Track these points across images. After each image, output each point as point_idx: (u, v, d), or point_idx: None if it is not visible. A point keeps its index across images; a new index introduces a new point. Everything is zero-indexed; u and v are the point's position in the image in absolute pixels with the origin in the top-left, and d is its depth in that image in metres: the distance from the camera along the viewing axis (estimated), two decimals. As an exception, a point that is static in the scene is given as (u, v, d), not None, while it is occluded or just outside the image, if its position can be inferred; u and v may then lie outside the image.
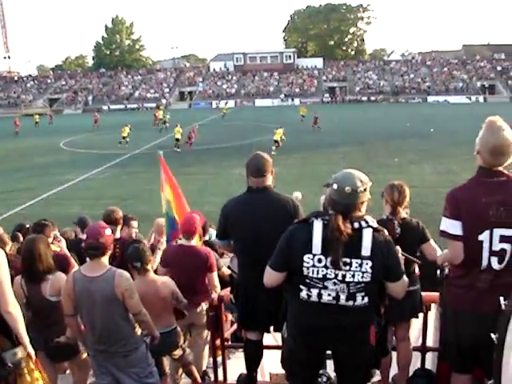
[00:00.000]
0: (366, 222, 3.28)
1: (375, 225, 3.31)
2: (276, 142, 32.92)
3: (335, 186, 3.29)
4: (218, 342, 5.42)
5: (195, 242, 5.86)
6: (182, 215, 6.89)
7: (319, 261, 3.27)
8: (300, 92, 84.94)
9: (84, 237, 4.48)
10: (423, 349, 5.14)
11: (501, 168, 3.55)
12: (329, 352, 3.61)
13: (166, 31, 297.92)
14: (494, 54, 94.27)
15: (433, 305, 5.04)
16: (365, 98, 79.49)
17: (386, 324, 4.05)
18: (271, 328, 4.65)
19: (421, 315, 5.00)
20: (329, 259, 3.24)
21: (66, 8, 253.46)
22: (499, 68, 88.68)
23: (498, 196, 3.46)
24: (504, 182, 3.51)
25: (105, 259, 4.36)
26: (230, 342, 5.83)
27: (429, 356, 5.15)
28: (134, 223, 7.06)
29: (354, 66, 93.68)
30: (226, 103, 69.43)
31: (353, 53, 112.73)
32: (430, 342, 5.13)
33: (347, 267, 3.24)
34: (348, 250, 3.21)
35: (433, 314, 5.16)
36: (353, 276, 3.25)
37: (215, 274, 5.73)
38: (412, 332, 5.22)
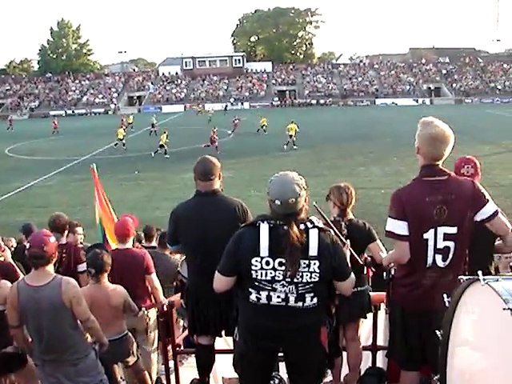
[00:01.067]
0: (312, 223, 3.32)
1: (321, 225, 3.35)
2: (291, 136, 35.12)
3: (278, 202, 3.28)
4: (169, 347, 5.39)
5: (130, 244, 5.83)
6: (111, 226, 6.97)
7: (267, 263, 3.29)
8: (249, 96, 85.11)
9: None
10: (373, 348, 5.20)
11: (442, 166, 3.65)
12: (281, 354, 3.63)
13: (113, 35, 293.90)
14: (439, 58, 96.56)
15: (382, 304, 5.12)
16: (314, 102, 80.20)
17: (337, 324, 4.09)
18: (223, 332, 4.64)
19: (370, 315, 5.08)
20: (277, 261, 3.26)
21: (8, 10, 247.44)
22: (444, 71, 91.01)
23: (440, 195, 3.55)
24: (446, 181, 3.61)
25: (50, 267, 4.29)
26: (182, 348, 5.80)
27: (380, 355, 5.22)
28: (79, 229, 7.09)
29: (303, 69, 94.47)
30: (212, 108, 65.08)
31: (302, 56, 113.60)
32: (380, 341, 5.20)
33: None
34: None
35: (382, 314, 5.24)
36: (301, 277, 3.27)
37: (154, 276, 5.68)
38: (363, 331, 5.30)
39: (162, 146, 33.54)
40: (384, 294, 4.53)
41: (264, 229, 3.31)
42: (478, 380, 2.35)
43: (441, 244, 3.59)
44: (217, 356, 4.92)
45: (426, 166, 3.67)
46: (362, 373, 5.09)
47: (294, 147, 34.27)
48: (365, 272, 4.94)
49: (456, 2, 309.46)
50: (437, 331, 2.70)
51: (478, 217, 3.62)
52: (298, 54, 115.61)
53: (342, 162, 28.94)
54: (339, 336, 4.49)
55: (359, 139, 37.40)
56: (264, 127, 41.16)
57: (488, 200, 3.64)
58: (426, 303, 3.54)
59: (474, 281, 2.32)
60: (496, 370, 2.17)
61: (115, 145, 36.64)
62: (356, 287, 4.71)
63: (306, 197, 3.39)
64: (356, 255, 4.17)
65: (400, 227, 3.62)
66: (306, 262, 3.26)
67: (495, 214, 3.64)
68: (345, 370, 5.07)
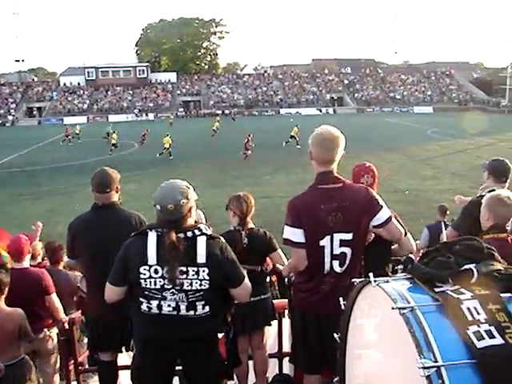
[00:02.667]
0: (200, 230, 3.33)
1: (209, 232, 3.37)
2: (293, 137, 38.01)
3: (158, 207, 3.31)
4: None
5: (27, 263, 5.51)
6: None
7: (155, 271, 3.26)
8: (154, 107, 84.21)
9: None
10: (280, 355, 5.25)
11: (336, 174, 3.74)
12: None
13: (9, 43, 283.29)
14: (341, 68, 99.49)
15: (286, 311, 5.18)
16: (219, 112, 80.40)
17: (235, 333, 4.09)
18: (123, 348, 4.55)
19: (276, 322, 5.13)
20: (165, 269, 3.24)
21: None
22: (346, 81, 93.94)
23: (335, 202, 3.62)
24: (341, 188, 3.68)
25: None
26: (86, 366, 5.62)
27: (287, 361, 5.26)
28: None
29: (208, 80, 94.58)
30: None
31: (206, 67, 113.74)
32: (286, 348, 5.25)
33: (184, 276, 3.25)
34: (184, 259, 3.23)
35: (287, 320, 5.30)
36: (190, 284, 3.26)
37: (54, 296, 5.39)
38: (269, 339, 5.33)
39: (166, 148, 35.48)
40: (286, 300, 4.60)
41: (152, 237, 3.31)
42: (376, 379, 2.41)
43: (337, 250, 3.66)
44: (121, 372, 4.81)
45: (321, 173, 3.74)
46: (270, 380, 5.12)
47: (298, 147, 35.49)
48: (267, 280, 5.01)
49: (356, 15, 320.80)
50: (335, 334, 2.75)
51: (374, 222, 3.73)
52: (203, 64, 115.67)
53: (249, 171, 29.17)
54: (237, 345, 4.48)
55: (265, 148, 37.85)
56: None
57: (382, 206, 3.76)
58: (325, 308, 3.60)
59: (366, 283, 2.39)
60: (391, 369, 2.23)
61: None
62: (259, 295, 4.77)
63: (192, 205, 3.41)
64: (253, 267, 4.21)
65: (296, 235, 3.67)
66: (195, 269, 3.26)
67: (389, 219, 3.77)
68: (252, 378, 5.08)
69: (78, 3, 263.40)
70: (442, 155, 35.72)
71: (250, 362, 5.13)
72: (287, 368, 5.25)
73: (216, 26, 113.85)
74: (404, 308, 1.99)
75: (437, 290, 2.17)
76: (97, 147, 42.33)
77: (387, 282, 2.26)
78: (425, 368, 1.79)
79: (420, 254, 2.67)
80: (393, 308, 2.00)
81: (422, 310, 2.01)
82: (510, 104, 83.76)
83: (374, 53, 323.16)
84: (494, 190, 4.87)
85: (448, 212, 10.03)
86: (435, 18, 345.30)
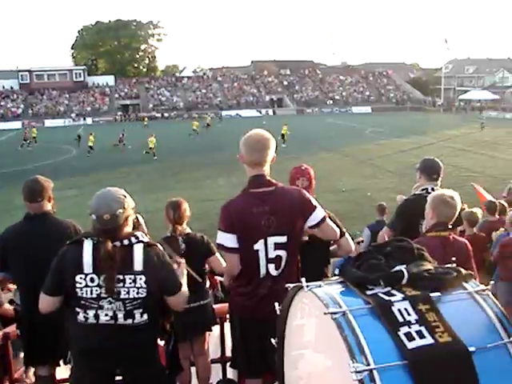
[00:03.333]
0: (137, 238, 3.28)
1: (146, 239, 3.32)
2: (283, 136, 39.46)
3: (94, 217, 3.24)
4: None
5: None
6: None
7: (92, 280, 3.19)
8: (92, 111, 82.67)
9: None
10: (222, 360, 5.22)
11: (269, 177, 3.74)
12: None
13: None
14: (281, 70, 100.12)
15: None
16: (158, 115, 79.62)
17: (176, 340, 4.05)
18: (61, 361, 4.43)
19: (217, 327, 5.10)
20: (102, 277, 3.17)
21: None
22: (285, 83, 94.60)
23: (267, 205, 3.61)
24: (273, 192, 3.68)
25: None
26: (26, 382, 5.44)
27: (229, 366, 5.25)
28: None
29: (147, 82, 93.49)
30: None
31: (145, 70, 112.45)
32: (229, 353, 5.23)
33: (121, 284, 3.19)
34: (120, 267, 3.17)
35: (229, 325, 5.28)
36: (128, 292, 3.20)
37: None
38: (211, 344, 5.30)
39: (151, 148, 37.02)
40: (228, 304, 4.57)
41: (87, 245, 3.24)
42: (314, 382, 2.42)
43: (272, 253, 3.66)
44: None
45: (253, 177, 3.73)
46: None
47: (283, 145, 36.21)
48: (207, 285, 4.98)
49: (294, 17, 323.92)
50: (272, 339, 2.75)
51: (309, 223, 3.74)
52: (141, 67, 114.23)
53: (191, 174, 29.07)
54: (179, 352, 4.43)
55: (206, 151, 37.79)
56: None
57: (316, 206, 3.77)
58: (263, 312, 3.58)
59: (299, 288, 2.39)
60: (328, 372, 2.24)
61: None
62: (199, 301, 4.74)
63: (129, 214, 3.35)
64: (194, 274, 4.17)
65: (229, 240, 3.66)
66: (132, 277, 3.21)
67: (324, 219, 3.79)
68: (195, 385, 5.05)
69: (8, 3, 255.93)
70: (380, 154, 36.46)
71: (193, 369, 5.09)
72: (231, 373, 5.23)
73: (154, 28, 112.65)
74: (336, 313, 2.00)
75: (368, 292, 2.18)
76: (27, 154, 41.27)
77: (320, 286, 2.26)
78: (357, 372, 1.80)
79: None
80: (325, 313, 2.00)
81: (354, 313, 2.02)
82: (445, 103, 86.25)
83: (313, 54, 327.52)
84: (426, 189, 4.99)
85: (387, 211, 10.24)
86: (372, 20, 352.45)
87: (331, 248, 4.65)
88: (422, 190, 5.07)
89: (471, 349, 1.91)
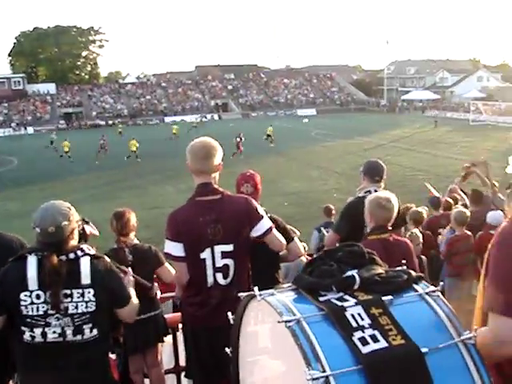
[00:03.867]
0: (83, 251, 3.22)
1: (93, 252, 3.26)
2: (269, 136, 43.28)
3: (38, 230, 3.16)
4: None
5: None
6: None
7: (37, 297, 3.10)
8: (33, 120, 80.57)
9: None
10: (176, 370, 5.17)
11: (216, 186, 3.73)
12: None
13: None
14: (225, 74, 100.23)
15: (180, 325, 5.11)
16: (102, 123, 78.36)
17: (127, 353, 3.99)
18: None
19: (170, 337, 5.05)
20: (48, 294, 3.09)
21: None
22: (230, 87, 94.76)
23: (214, 214, 3.61)
24: (219, 200, 3.67)
25: None
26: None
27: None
28: None
29: (89, 90, 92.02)
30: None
31: (87, 77, 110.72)
32: (183, 362, 5.19)
33: (68, 299, 3.12)
34: (67, 281, 3.10)
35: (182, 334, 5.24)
36: (76, 307, 3.13)
37: None
38: (164, 355, 5.24)
39: (133, 151, 38.29)
40: (180, 314, 4.53)
41: (31, 261, 3.14)
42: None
43: (219, 262, 3.65)
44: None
45: (200, 185, 3.72)
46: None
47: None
48: (158, 295, 4.92)
49: (237, 21, 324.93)
50: (226, 348, 2.73)
51: (254, 233, 3.75)
52: (83, 74, 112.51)
53: (137, 182, 28.78)
54: (132, 364, 4.39)
55: (152, 157, 37.48)
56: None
57: (262, 216, 3.78)
58: (214, 321, 3.56)
59: (251, 297, 2.37)
60: (284, 379, 2.23)
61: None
62: (149, 311, 4.68)
63: (74, 227, 3.29)
64: (144, 281, 4.12)
65: (176, 248, 3.65)
66: (80, 291, 3.14)
67: (270, 230, 3.80)
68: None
69: None
70: (327, 156, 36.92)
71: (147, 381, 5.03)
72: (186, 383, 5.18)
73: (95, 35, 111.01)
74: (290, 321, 1.99)
75: (321, 299, 2.19)
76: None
77: (272, 294, 2.25)
78: (314, 379, 1.80)
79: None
80: (279, 321, 2.00)
81: (308, 320, 2.02)
82: (388, 104, 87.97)
83: (257, 58, 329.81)
84: (369, 191, 5.06)
85: (334, 212, 10.34)
86: (315, 23, 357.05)
87: (281, 253, 4.66)
88: (366, 192, 5.14)
89: (424, 350, 1.94)
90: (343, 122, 56.97)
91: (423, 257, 6.03)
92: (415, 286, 2.28)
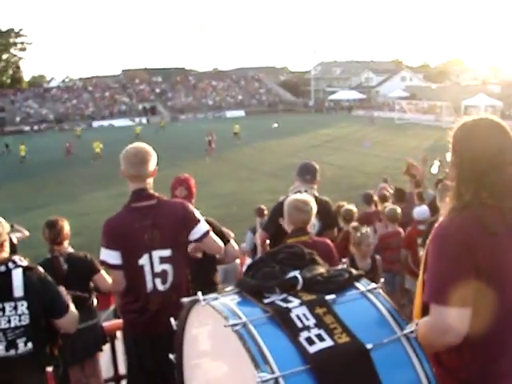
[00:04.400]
0: (14, 263, 3.12)
1: (25, 263, 3.16)
2: (236, 133, 46.43)
3: None
4: None
5: None
6: None
7: None
8: (-49, 127, 77.28)
9: None
10: (115, 378, 5.08)
11: (151, 191, 3.70)
12: None
13: None
14: (152, 78, 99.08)
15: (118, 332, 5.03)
16: (27, 128, 75.91)
17: (66, 364, 3.90)
18: None
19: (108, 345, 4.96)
20: None
21: None
22: (158, 90, 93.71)
23: (150, 219, 3.58)
24: (155, 205, 3.65)
25: None
26: None
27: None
28: None
29: (12, 95, 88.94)
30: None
31: (9, 81, 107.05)
32: (122, 370, 5.10)
33: (0, 313, 3.03)
34: None
35: (120, 342, 5.15)
36: (8, 321, 3.04)
37: None
38: (103, 363, 5.15)
39: (97, 153, 38.74)
40: (118, 321, 4.46)
41: None
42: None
43: (158, 268, 3.62)
44: None
45: (135, 191, 3.69)
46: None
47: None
48: (95, 304, 4.83)
49: (164, 24, 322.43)
50: (170, 355, 2.70)
51: (191, 237, 3.74)
52: (5, 78, 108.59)
53: (64, 188, 28.08)
54: (70, 376, 4.29)
55: (77, 164, 36.70)
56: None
57: (199, 220, 3.78)
58: (156, 328, 3.54)
59: (195, 302, 2.36)
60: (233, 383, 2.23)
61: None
62: (87, 321, 4.58)
63: (5, 239, 3.20)
64: (79, 293, 4.04)
65: (112, 256, 3.60)
66: (12, 304, 3.05)
67: (207, 233, 3.80)
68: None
69: None
70: (256, 157, 37.08)
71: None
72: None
73: (16, 37, 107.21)
74: (236, 324, 1.99)
75: (265, 301, 2.20)
76: None
77: (216, 298, 2.25)
78: (263, 382, 1.81)
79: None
80: (225, 326, 1.99)
81: (254, 323, 2.02)
82: (316, 104, 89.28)
83: (184, 61, 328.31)
84: (300, 191, 5.13)
85: (266, 213, 10.40)
86: (241, 25, 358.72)
87: (218, 256, 4.66)
88: (296, 192, 5.20)
89: (369, 346, 1.98)
90: (272, 122, 57.40)
91: (378, 257, 6.09)
92: (356, 284, 2.33)
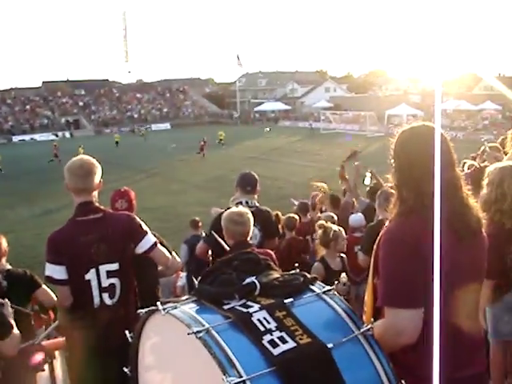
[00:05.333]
0: None
1: None
2: (221, 140, 51.48)
3: None
4: None
5: None
6: None
7: None
8: None
9: None
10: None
11: (97, 204, 3.66)
12: None
13: None
14: (75, 90, 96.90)
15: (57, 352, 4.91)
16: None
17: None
18: None
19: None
20: None
21: None
22: (81, 103, 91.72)
23: (96, 233, 3.54)
24: (101, 218, 3.62)
25: None
26: None
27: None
28: None
29: None
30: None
31: None
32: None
33: None
34: None
35: (58, 361, 5.03)
36: None
37: None
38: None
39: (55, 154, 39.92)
40: (59, 340, 4.36)
41: None
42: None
43: (105, 282, 3.59)
44: None
45: (80, 204, 3.63)
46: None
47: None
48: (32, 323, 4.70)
49: (86, 35, 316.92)
50: (125, 368, 2.67)
51: (139, 249, 3.72)
52: None
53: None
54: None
55: (3, 179, 35.51)
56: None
57: (147, 232, 3.77)
58: (106, 343, 3.48)
59: (153, 312, 2.36)
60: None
61: None
62: (27, 340, 4.44)
63: None
64: (23, 309, 3.94)
65: (57, 271, 3.54)
66: None
67: (155, 245, 3.79)
68: None
69: None
70: (184, 170, 36.96)
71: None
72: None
73: None
74: (199, 331, 2.01)
75: (225, 307, 2.23)
76: None
77: (176, 307, 2.26)
78: (232, 386, 1.83)
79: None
80: (189, 333, 2.01)
81: (217, 329, 2.05)
82: (242, 115, 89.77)
83: (108, 73, 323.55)
84: (240, 202, 5.16)
85: (200, 224, 10.41)
86: (164, 37, 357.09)
87: (159, 268, 4.64)
88: (237, 203, 5.23)
89: (330, 345, 2.05)
90: (198, 135, 57.32)
91: (343, 255, 6.11)
92: (312, 287, 2.39)
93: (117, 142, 55.74)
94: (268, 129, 46.49)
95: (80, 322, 3.63)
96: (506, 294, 3.99)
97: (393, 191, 2.53)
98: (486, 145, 6.11)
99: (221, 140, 51.46)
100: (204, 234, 5.62)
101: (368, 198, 8.33)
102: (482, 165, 5.79)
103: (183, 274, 9.38)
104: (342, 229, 5.93)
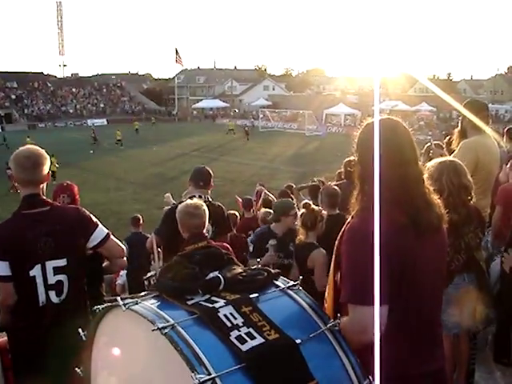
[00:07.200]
0: None
1: None
2: (231, 130, 55.39)
3: None
4: None
5: None
6: None
7: None
8: None
9: None
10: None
11: (44, 197, 3.51)
12: None
13: None
14: (7, 83, 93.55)
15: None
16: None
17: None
18: None
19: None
20: None
21: None
22: (13, 96, 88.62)
23: (43, 227, 3.38)
24: (48, 212, 3.46)
25: None
26: None
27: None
28: None
29: None
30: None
31: None
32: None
33: None
34: None
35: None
36: None
37: None
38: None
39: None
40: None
41: None
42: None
43: (52, 279, 3.42)
44: None
45: (26, 197, 3.47)
46: None
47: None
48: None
49: (18, 25, 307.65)
50: (76, 368, 2.56)
51: (90, 243, 3.59)
52: None
53: None
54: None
55: None
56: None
57: (97, 225, 3.65)
58: (52, 342, 3.31)
59: (111, 308, 2.26)
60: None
61: None
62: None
63: None
64: None
65: (0, 267, 3.33)
66: None
67: (107, 237, 3.67)
68: None
69: None
70: (121, 166, 36.45)
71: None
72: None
73: None
74: (165, 327, 1.94)
75: (189, 302, 2.17)
76: None
77: (137, 303, 2.17)
78: (201, 383, 1.78)
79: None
80: (153, 330, 1.93)
81: (182, 325, 1.99)
82: (180, 112, 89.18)
83: (43, 66, 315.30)
84: (194, 196, 5.09)
85: (141, 222, 10.26)
86: (101, 31, 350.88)
87: (104, 264, 4.52)
88: (190, 197, 5.15)
89: (298, 341, 2.02)
90: (134, 131, 56.64)
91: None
92: (276, 282, 2.36)
93: (136, 130, 57.27)
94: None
95: (24, 321, 3.46)
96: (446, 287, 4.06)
97: (336, 188, 2.53)
98: (431, 142, 6.24)
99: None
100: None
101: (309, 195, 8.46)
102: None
103: (123, 272, 9.22)
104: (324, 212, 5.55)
